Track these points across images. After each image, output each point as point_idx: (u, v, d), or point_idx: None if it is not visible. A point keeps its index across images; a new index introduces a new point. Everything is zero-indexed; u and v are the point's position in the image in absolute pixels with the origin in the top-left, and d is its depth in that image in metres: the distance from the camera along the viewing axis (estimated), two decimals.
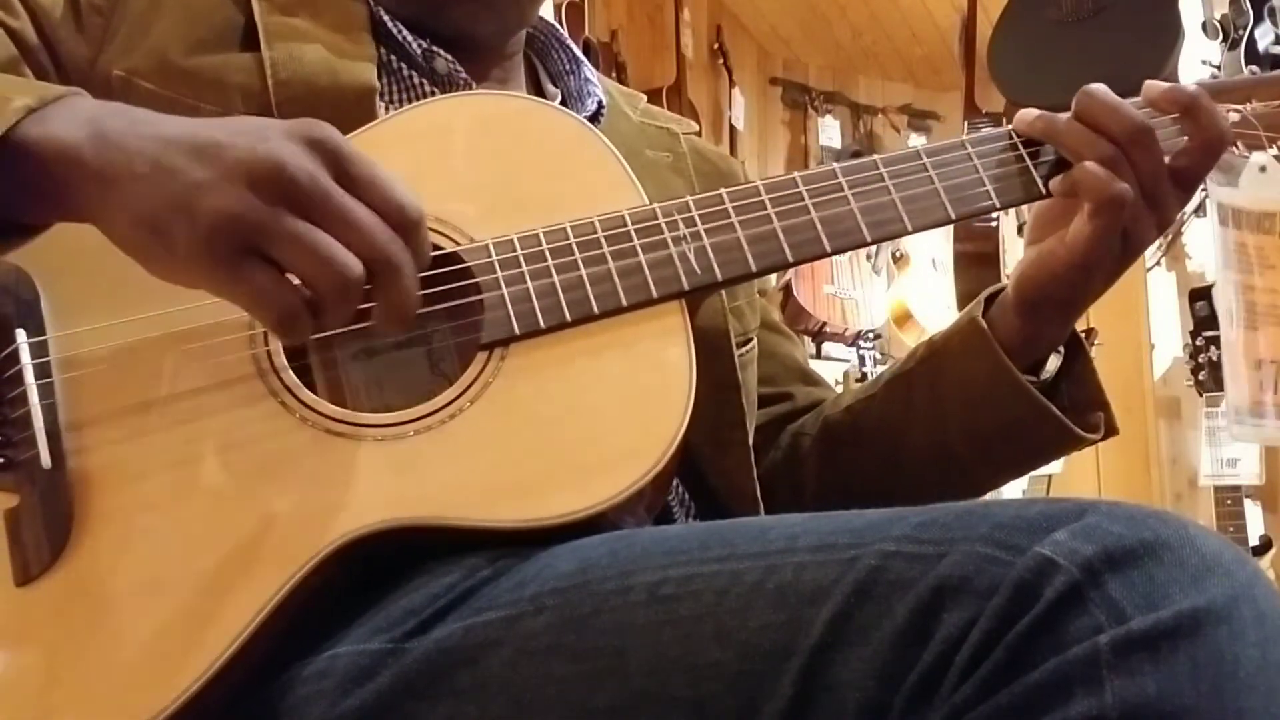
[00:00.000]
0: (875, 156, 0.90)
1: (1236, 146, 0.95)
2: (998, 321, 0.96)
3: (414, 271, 0.71)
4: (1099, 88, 0.90)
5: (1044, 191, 0.91)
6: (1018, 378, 0.93)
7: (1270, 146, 0.95)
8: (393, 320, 0.71)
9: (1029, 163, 0.91)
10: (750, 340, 1.07)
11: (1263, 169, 0.95)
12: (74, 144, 0.71)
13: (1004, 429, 0.95)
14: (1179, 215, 0.93)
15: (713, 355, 0.96)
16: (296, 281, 0.69)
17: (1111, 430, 0.98)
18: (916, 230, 0.89)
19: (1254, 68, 2.83)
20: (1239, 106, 0.96)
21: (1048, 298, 0.93)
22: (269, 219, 0.67)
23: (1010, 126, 0.93)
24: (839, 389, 1.27)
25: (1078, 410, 0.96)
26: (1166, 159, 0.89)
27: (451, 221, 0.83)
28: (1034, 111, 0.92)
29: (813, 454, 1.07)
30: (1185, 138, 0.90)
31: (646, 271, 0.83)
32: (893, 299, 4.92)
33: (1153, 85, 0.92)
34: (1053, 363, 0.97)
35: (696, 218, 0.85)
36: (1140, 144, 0.88)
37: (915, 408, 1.01)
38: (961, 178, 0.90)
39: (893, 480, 1.03)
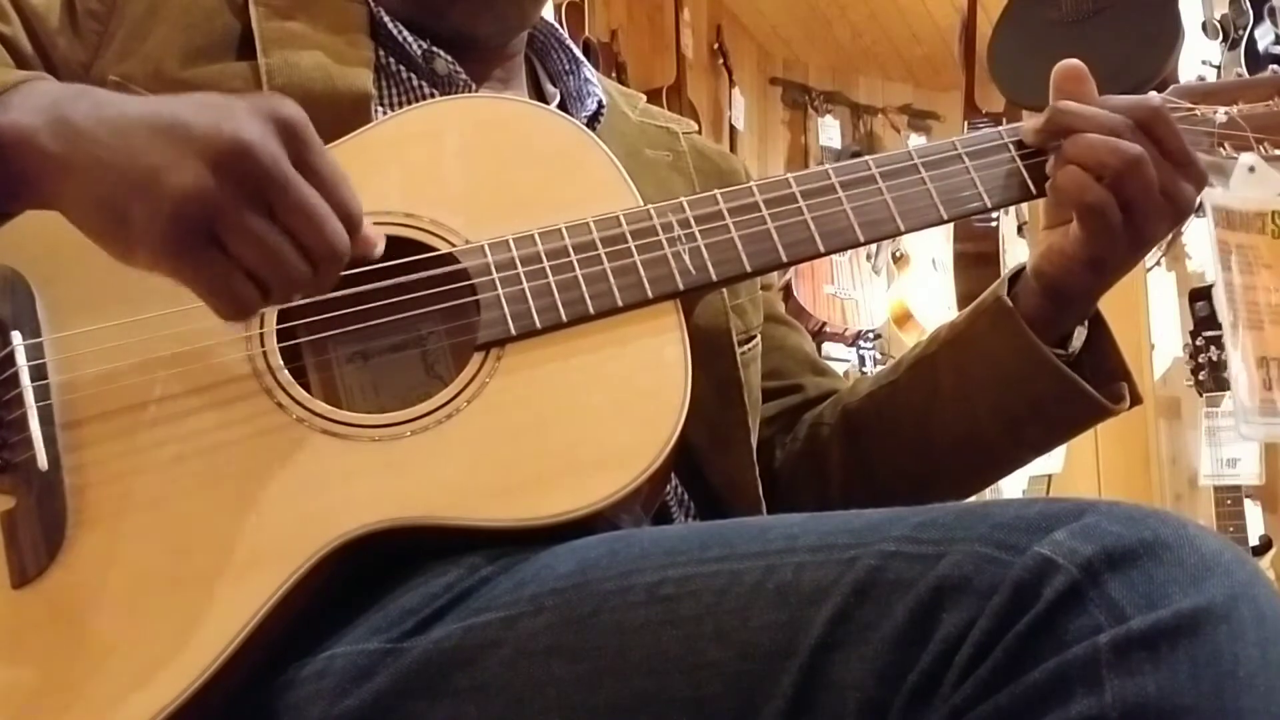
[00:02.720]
0: (867, 158, 0.90)
1: (1224, 147, 0.96)
2: (1021, 300, 0.96)
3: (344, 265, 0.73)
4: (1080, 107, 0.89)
5: (1034, 192, 0.91)
6: (1046, 354, 0.93)
7: (1258, 147, 0.96)
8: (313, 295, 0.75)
9: (1019, 164, 0.92)
10: (753, 338, 1.07)
11: (1251, 169, 0.96)
12: (32, 129, 0.70)
13: (1032, 406, 0.95)
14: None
15: (714, 354, 0.96)
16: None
17: (1136, 399, 0.98)
18: (909, 230, 0.89)
19: (1239, 71, 2.83)
20: (1227, 108, 0.96)
21: (1064, 286, 0.93)
22: (229, 208, 0.67)
23: (1005, 127, 0.93)
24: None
25: (1101, 381, 0.96)
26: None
27: (446, 223, 0.83)
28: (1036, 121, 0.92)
29: (834, 443, 1.07)
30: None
31: (641, 272, 0.83)
32: (893, 299, 4.92)
33: (1113, 100, 0.91)
34: (1078, 337, 0.97)
35: (691, 219, 0.86)
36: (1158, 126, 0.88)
37: (942, 390, 1.00)
38: (953, 179, 0.90)
39: (921, 464, 1.02)
